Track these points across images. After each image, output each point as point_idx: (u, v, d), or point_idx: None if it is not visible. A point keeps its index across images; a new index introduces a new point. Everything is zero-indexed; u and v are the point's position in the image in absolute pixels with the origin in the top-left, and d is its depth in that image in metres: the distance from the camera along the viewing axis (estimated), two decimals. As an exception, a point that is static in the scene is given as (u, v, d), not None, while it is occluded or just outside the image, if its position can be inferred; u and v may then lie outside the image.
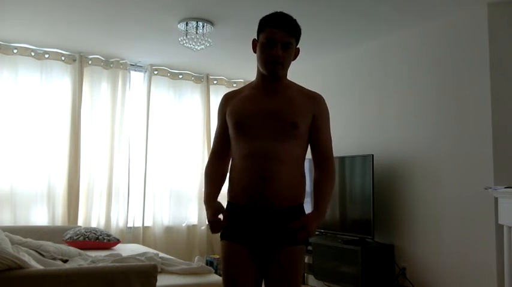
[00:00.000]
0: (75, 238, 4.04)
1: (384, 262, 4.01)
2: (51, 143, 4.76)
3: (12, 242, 3.10)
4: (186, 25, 3.98)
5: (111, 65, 5.11)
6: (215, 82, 5.83)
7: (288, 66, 1.94)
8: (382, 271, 4.00)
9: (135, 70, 5.36)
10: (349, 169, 4.35)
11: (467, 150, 3.57)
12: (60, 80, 4.87)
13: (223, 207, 1.94)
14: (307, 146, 1.98)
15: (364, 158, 4.11)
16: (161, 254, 3.55)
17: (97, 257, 3.26)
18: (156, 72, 5.41)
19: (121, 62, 5.14)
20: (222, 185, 2.05)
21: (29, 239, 3.41)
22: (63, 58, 4.88)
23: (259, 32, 1.93)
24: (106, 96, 5.09)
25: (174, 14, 3.87)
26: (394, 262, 4.05)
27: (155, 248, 4.64)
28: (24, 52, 4.69)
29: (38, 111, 4.73)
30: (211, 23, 4.01)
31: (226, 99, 2.04)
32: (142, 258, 3.21)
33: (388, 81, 4.31)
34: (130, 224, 5.15)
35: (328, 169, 1.96)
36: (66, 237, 4.08)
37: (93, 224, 4.86)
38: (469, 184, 3.53)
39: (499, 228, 3.20)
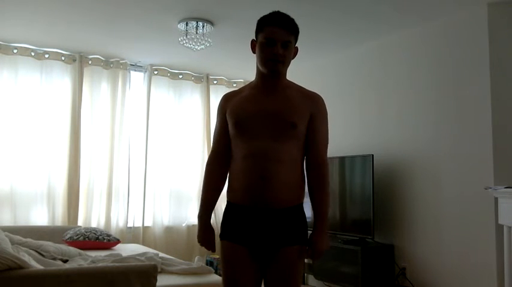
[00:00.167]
0: (75, 238, 4.04)
1: (383, 262, 4.01)
2: (51, 143, 4.76)
3: (12, 242, 3.10)
4: (186, 25, 3.98)
5: (111, 65, 5.11)
6: (215, 82, 5.83)
7: (288, 65, 1.94)
8: (382, 271, 4.00)
9: (135, 70, 5.36)
10: (349, 169, 4.35)
11: (467, 150, 3.57)
12: (60, 80, 4.87)
13: (213, 235, 2.05)
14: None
15: (364, 158, 4.11)
16: (161, 254, 3.55)
17: (97, 257, 3.26)
18: (156, 72, 5.41)
19: (121, 62, 5.14)
20: (218, 195, 2.09)
21: (29, 239, 3.41)
22: (63, 58, 4.88)
23: (257, 32, 1.93)
24: (106, 96, 5.09)
25: (174, 14, 3.87)
26: (394, 262, 4.05)
27: (155, 248, 4.64)
28: (24, 52, 4.69)
29: (38, 111, 4.73)
30: (211, 23, 4.01)
31: (226, 100, 2.04)
32: (142, 258, 3.21)
33: (388, 81, 4.31)
34: (130, 224, 5.15)
35: (323, 176, 1.94)
36: (66, 237, 4.08)
37: (93, 224, 4.86)
38: (469, 184, 3.52)
39: (499, 228, 3.20)
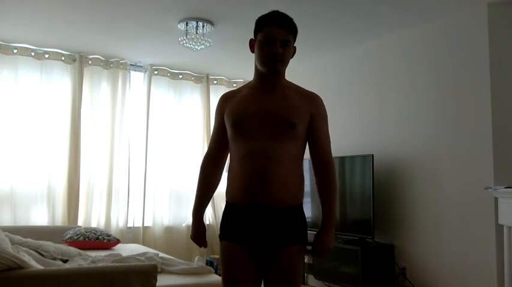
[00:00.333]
0: (75, 238, 4.04)
1: (384, 262, 4.01)
2: (51, 143, 4.76)
3: (12, 242, 3.10)
4: (186, 25, 3.98)
5: (111, 65, 5.11)
6: (215, 82, 5.83)
7: (287, 65, 1.94)
8: (382, 271, 4.00)
9: (135, 70, 5.36)
10: (349, 169, 4.35)
11: (467, 150, 3.57)
12: (60, 80, 4.87)
13: (204, 232, 2.10)
14: (305, 147, 1.98)
15: (364, 158, 4.11)
16: (161, 254, 3.55)
17: (97, 257, 3.26)
18: (156, 72, 5.41)
19: (121, 62, 5.14)
20: (213, 192, 2.14)
21: (29, 239, 3.41)
22: (63, 58, 4.88)
23: (256, 31, 1.93)
24: (106, 96, 5.09)
25: (174, 14, 3.87)
26: (394, 262, 4.05)
27: (155, 248, 4.64)
28: (24, 52, 4.69)
29: (38, 111, 4.73)
30: (211, 23, 4.01)
31: (224, 100, 2.04)
32: (142, 258, 3.21)
33: (388, 81, 4.31)
34: (130, 224, 5.15)
35: (329, 176, 1.95)
36: (66, 237, 4.08)
37: (93, 224, 4.86)
38: (469, 184, 3.52)
39: (499, 228, 3.19)
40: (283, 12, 1.92)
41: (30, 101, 4.71)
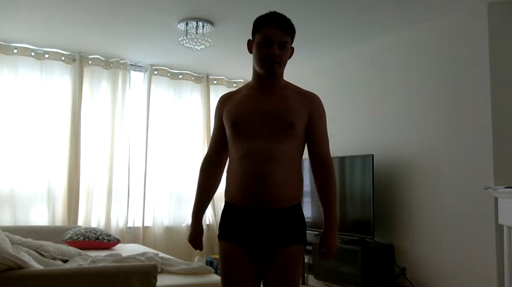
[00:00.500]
0: (75, 238, 4.04)
1: (384, 262, 4.01)
2: (51, 143, 4.76)
3: (12, 242, 3.09)
4: (186, 25, 3.98)
5: (111, 65, 5.11)
6: (215, 82, 5.83)
7: (285, 65, 1.94)
8: (382, 271, 4.00)
9: (135, 70, 5.36)
10: (349, 169, 4.35)
11: (467, 150, 3.57)
12: (60, 80, 4.88)
13: (201, 235, 2.13)
14: (304, 147, 1.98)
15: (364, 158, 4.11)
16: (161, 254, 3.55)
17: (97, 257, 3.26)
18: (156, 72, 5.41)
19: (121, 62, 5.14)
20: (213, 194, 2.14)
21: (29, 239, 3.41)
22: (63, 58, 4.88)
23: (254, 32, 1.93)
24: (106, 96, 5.09)
25: (174, 14, 3.87)
26: (394, 262, 4.05)
27: (155, 248, 4.64)
28: (24, 52, 4.69)
29: (38, 111, 4.73)
30: (211, 23, 4.01)
31: (223, 101, 2.04)
32: (142, 258, 3.21)
33: (388, 81, 4.30)
34: (130, 224, 5.15)
35: (328, 177, 1.95)
36: (66, 237, 4.08)
37: (93, 224, 4.86)
38: (469, 184, 3.52)
39: (499, 228, 3.19)
40: (285, 11, 1.92)
41: (30, 100, 4.71)
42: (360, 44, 4.54)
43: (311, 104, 1.95)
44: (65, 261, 3.24)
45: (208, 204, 2.15)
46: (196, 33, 4.03)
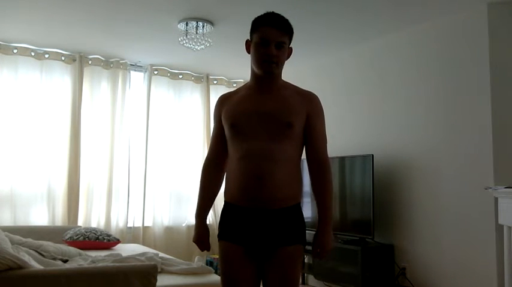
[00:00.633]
0: (75, 238, 4.04)
1: (384, 262, 4.01)
2: (51, 143, 4.77)
3: (12, 242, 3.09)
4: (186, 25, 3.99)
5: (111, 65, 5.11)
6: (215, 82, 5.83)
7: (283, 65, 1.94)
8: (382, 271, 4.00)
9: (135, 70, 5.36)
10: (349, 169, 4.35)
11: (467, 150, 3.57)
12: (60, 80, 4.88)
13: (208, 235, 2.09)
14: (303, 147, 1.98)
15: (364, 158, 4.11)
16: (161, 254, 3.55)
17: (97, 257, 3.26)
18: (156, 72, 5.41)
19: (121, 62, 5.14)
20: (215, 195, 2.12)
21: (29, 239, 3.41)
22: (63, 58, 4.88)
23: (252, 32, 1.94)
24: (106, 96, 5.09)
25: (174, 14, 3.87)
26: (394, 262, 4.05)
27: (155, 248, 4.65)
28: (24, 52, 4.70)
29: (38, 111, 4.73)
30: (211, 23, 4.01)
31: (221, 102, 2.05)
32: (142, 258, 3.21)
33: (388, 81, 4.30)
34: (130, 224, 5.15)
35: (324, 176, 1.95)
36: (66, 237, 4.08)
37: (93, 224, 4.86)
38: (469, 184, 3.52)
39: (499, 228, 3.19)
40: (284, 12, 1.92)
41: (30, 100, 4.71)
42: (360, 44, 4.54)
43: (309, 103, 1.95)
44: (65, 261, 3.24)
45: (211, 204, 2.14)
46: (196, 33, 4.03)
